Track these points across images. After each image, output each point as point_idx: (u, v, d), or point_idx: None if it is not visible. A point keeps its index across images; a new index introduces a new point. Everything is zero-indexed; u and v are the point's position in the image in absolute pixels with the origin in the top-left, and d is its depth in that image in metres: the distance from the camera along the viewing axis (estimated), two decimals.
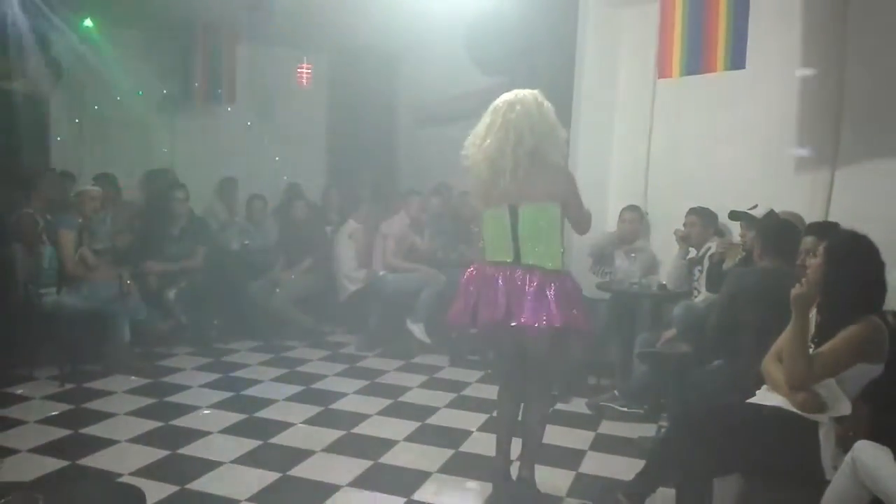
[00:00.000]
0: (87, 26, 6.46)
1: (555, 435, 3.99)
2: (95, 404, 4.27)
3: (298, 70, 7.25)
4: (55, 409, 4.14)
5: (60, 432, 3.81)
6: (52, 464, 3.40)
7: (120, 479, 3.26)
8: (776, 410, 2.65)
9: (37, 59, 5.98)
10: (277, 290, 6.03)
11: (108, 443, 3.70)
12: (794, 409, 2.60)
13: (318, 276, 6.24)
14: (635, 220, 5.15)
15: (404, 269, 5.96)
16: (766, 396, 2.78)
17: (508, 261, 2.98)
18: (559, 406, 4.48)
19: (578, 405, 4.50)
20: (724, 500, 2.80)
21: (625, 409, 4.28)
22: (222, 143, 6.93)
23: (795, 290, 2.59)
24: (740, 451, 2.64)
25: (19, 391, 4.41)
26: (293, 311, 6.04)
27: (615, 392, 4.38)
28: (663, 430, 3.77)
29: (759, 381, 2.85)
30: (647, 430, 4.01)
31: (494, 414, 3.53)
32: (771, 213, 4.04)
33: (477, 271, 3.08)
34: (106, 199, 5.70)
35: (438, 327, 5.79)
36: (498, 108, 3.02)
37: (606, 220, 5.46)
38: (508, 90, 3.00)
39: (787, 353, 2.61)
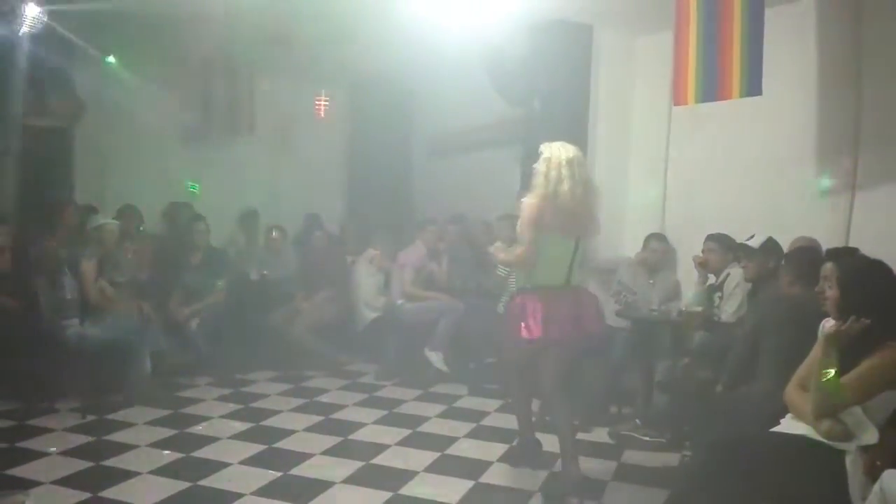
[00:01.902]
0: (110, 62, 6.61)
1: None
2: (117, 436, 4.28)
3: (316, 102, 7.37)
4: (77, 441, 4.16)
5: (82, 464, 3.82)
6: (75, 496, 3.39)
7: None
8: (801, 439, 2.61)
9: (61, 96, 6.12)
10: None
11: (130, 474, 3.70)
12: (820, 438, 2.57)
13: (337, 306, 6.26)
14: (662, 251, 5.13)
15: (422, 297, 5.97)
16: (790, 425, 2.74)
17: (562, 283, 3.59)
18: (581, 436, 4.43)
19: (600, 435, 4.45)
20: None
21: (647, 439, 4.22)
22: (242, 175, 7.02)
23: (831, 330, 2.57)
24: (766, 481, 2.60)
25: (42, 423, 4.44)
26: (312, 340, 6.06)
27: (637, 421, 4.33)
28: (687, 459, 3.71)
29: (783, 409, 2.82)
30: (671, 460, 3.95)
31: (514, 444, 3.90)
32: (769, 240, 4.02)
33: (539, 295, 3.53)
34: (128, 232, 5.81)
35: (457, 356, 5.79)
36: (569, 160, 3.56)
37: (624, 247, 5.46)
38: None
39: (814, 383, 2.58)
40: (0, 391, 4.63)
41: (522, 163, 5.51)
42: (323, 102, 7.45)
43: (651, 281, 5.02)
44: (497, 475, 3.84)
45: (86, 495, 3.42)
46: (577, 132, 5.58)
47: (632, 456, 4.13)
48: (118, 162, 6.57)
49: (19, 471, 3.67)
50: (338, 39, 6.08)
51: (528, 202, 3.55)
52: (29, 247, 5.32)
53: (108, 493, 3.46)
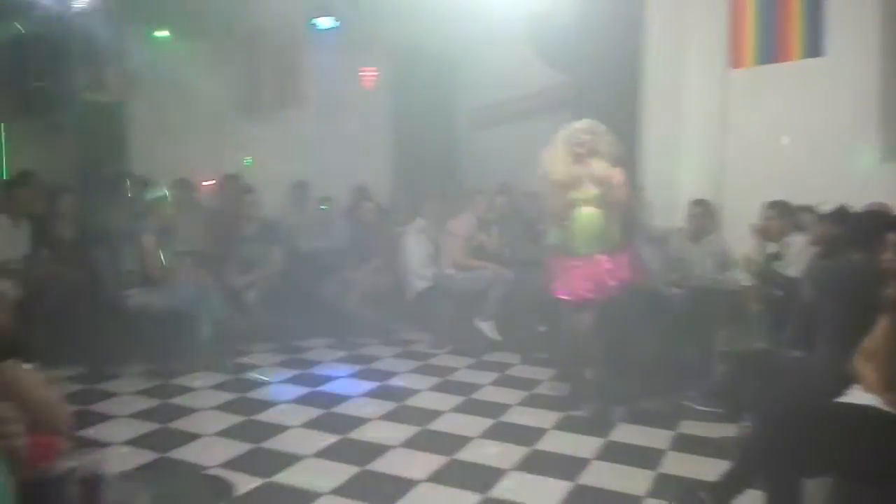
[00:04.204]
0: (162, 36, 6.70)
1: (633, 434, 3.96)
2: (181, 399, 4.44)
3: (363, 74, 7.37)
4: (144, 405, 4.33)
5: (150, 426, 3.98)
6: (146, 455, 3.55)
7: (207, 472, 3.39)
8: (869, 410, 2.56)
9: (115, 70, 6.24)
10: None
11: (194, 436, 3.84)
12: (889, 409, 2.51)
13: (387, 276, 6.32)
14: (703, 215, 5.03)
15: (472, 267, 5.97)
16: (858, 396, 2.69)
17: (599, 248, 4.10)
18: (637, 405, 4.40)
19: (655, 404, 4.41)
20: (816, 501, 2.73)
21: (704, 409, 4.19)
22: (292, 147, 7.09)
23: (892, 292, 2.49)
24: (830, 453, 2.56)
25: (110, 387, 4.63)
26: (364, 309, 6.13)
27: (694, 391, 4.29)
28: (746, 430, 3.67)
29: (848, 380, 2.76)
30: (729, 430, 3.90)
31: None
32: (840, 208, 3.90)
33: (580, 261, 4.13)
34: (183, 204, 5.93)
35: (508, 325, 5.80)
36: (588, 141, 4.03)
37: (677, 216, 5.36)
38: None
39: (884, 353, 2.51)
40: (70, 357, 4.81)
41: None
42: (369, 73, 7.44)
43: (706, 249, 4.93)
44: (552, 442, 3.85)
45: (155, 455, 3.57)
46: (626, 98, 5.49)
47: (688, 426, 4.09)
48: (171, 135, 6.69)
49: (93, 431, 3.84)
50: (383, 10, 6.07)
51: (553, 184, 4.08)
52: (89, 220, 5.48)
53: (176, 454, 3.61)
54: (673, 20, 5.47)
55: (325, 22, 6.75)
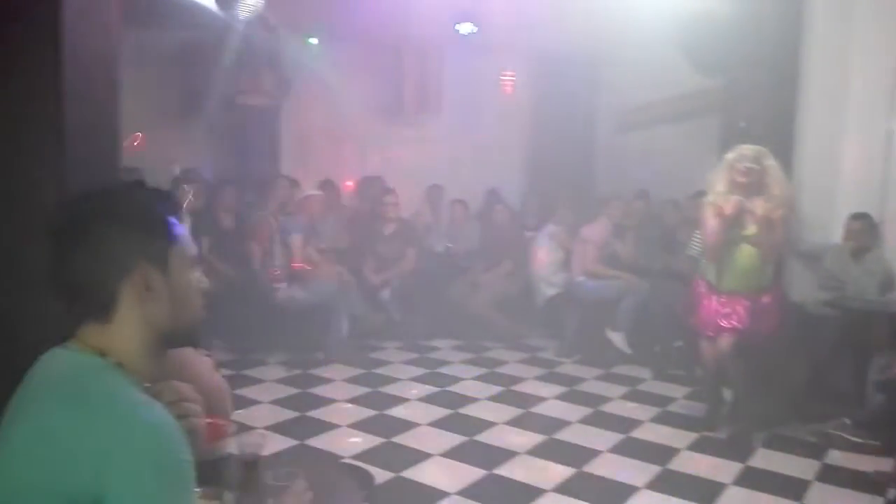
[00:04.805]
0: (312, 44, 7.07)
1: (775, 461, 3.74)
2: (318, 390, 4.67)
3: (502, 78, 7.41)
4: (284, 392, 4.60)
5: (290, 413, 4.23)
6: (285, 441, 3.77)
7: (343, 461, 3.54)
8: None
9: (270, 76, 6.65)
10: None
11: (331, 426, 4.04)
12: None
13: (516, 280, 6.32)
14: (864, 231, 4.63)
15: (605, 275, 5.84)
16: None
17: (747, 286, 4.01)
18: (779, 431, 4.13)
19: (802, 431, 4.13)
20: None
21: (857, 440, 3.86)
22: (430, 150, 7.25)
23: None
24: None
25: (254, 374, 4.95)
26: (492, 312, 6.17)
27: (846, 420, 3.97)
28: None
29: None
30: (884, 465, 3.58)
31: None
32: None
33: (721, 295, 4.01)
34: (328, 203, 6.23)
35: (640, 338, 5.62)
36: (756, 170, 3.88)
37: (833, 230, 4.97)
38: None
39: None
40: (220, 344, 5.19)
41: (721, 136, 5.18)
42: (509, 78, 7.47)
43: (866, 267, 4.53)
44: (686, 463, 3.70)
45: (294, 442, 3.78)
46: (782, 102, 5.15)
47: (837, 457, 3.80)
48: (319, 137, 7.05)
49: (237, 415, 4.11)
50: (524, 14, 6.06)
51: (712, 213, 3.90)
52: (244, 217, 5.88)
53: (313, 442, 3.81)
54: (838, 20, 5.08)
55: (466, 27, 6.85)
